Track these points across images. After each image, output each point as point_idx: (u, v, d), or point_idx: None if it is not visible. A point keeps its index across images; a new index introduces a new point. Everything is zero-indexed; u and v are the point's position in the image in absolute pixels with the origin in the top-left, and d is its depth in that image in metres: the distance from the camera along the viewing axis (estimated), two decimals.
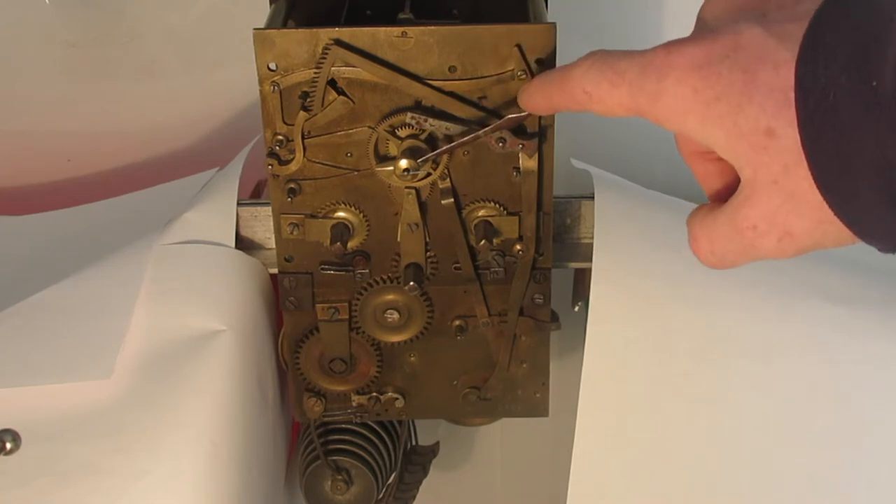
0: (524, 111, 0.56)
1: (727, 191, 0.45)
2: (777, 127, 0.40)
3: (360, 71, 0.62)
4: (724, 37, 0.42)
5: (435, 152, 0.63)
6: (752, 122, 0.41)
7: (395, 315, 0.70)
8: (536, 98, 0.52)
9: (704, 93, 0.42)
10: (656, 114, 0.44)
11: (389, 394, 0.73)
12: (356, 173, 0.65)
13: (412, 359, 0.72)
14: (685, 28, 0.47)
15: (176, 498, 0.62)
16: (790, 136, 0.40)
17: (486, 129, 0.60)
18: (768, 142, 0.41)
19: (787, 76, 0.40)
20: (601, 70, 0.45)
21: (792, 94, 0.40)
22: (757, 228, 0.42)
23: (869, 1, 0.39)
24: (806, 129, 0.39)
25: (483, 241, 0.66)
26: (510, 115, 0.60)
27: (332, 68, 0.62)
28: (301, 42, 0.62)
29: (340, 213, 0.67)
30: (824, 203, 0.40)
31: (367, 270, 0.69)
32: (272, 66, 0.62)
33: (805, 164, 0.40)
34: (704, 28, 0.44)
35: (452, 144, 0.62)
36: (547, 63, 0.62)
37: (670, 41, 0.44)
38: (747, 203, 0.42)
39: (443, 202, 0.66)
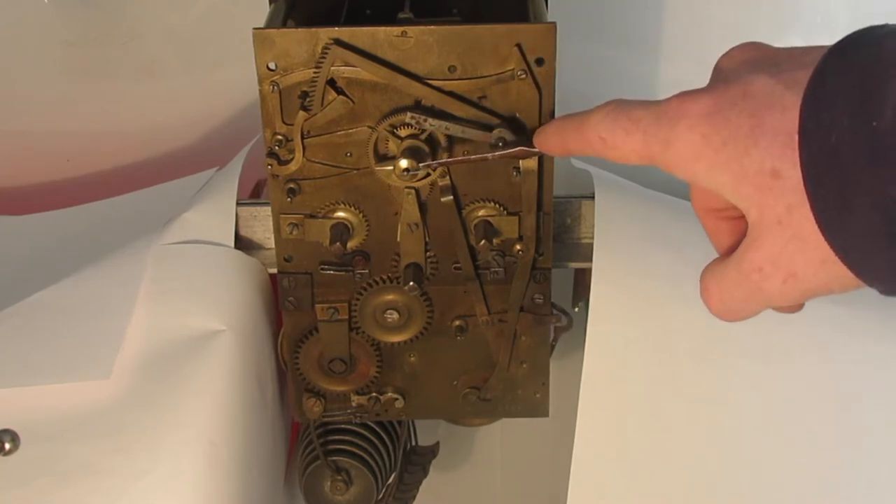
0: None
1: (737, 247, 0.46)
2: (782, 168, 0.41)
3: (360, 70, 0.62)
4: (734, 86, 0.43)
5: (438, 162, 0.63)
6: (758, 164, 0.42)
7: (395, 315, 0.70)
8: (553, 141, 0.53)
9: (713, 138, 0.43)
10: (667, 161, 0.45)
11: (389, 394, 0.73)
12: (356, 172, 0.65)
13: (412, 359, 0.72)
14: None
15: (175, 498, 0.62)
16: (794, 176, 0.41)
17: (495, 153, 0.61)
18: (773, 182, 0.41)
19: (793, 120, 0.41)
20: (617, 117, 0.46)
21: (797, 137, 0.41)
22: (762, 271, 0.43)
23: (871, 49, 0.40)
24: (808, 170, 0.40)
25: (483, 241, 0.66)
26: (522, 147, 0.60)
27: (332, 68, 0.62)
28: (301, 42, 0.62)
29: (340, 213, 0.67)
30: (827, 243, 0.41)
31: (366, 270, 0.69)
32: (272, 65, 0.62)
33: (808, 204, 0.41)
34: (719, 78, 0.45)
35: (458, 159, 0.63)
36: (547, 63, 0.62)
37: (685, 91, 0.45)
38: (753, 245, 0.43)
39: (442, 200, 0.66)
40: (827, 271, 0.42)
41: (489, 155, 0.61)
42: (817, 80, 0.41)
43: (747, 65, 0.44)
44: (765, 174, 0.41)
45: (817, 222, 0.41)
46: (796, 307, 0.47)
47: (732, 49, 0.46)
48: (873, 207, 0.39)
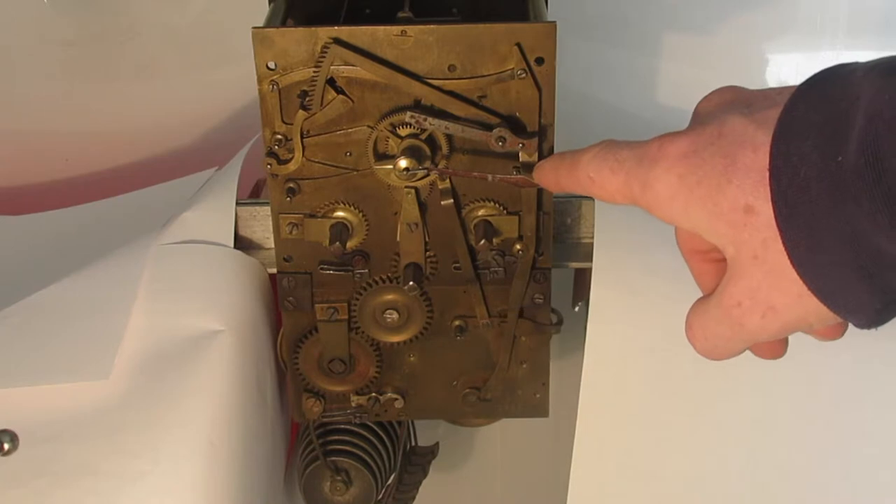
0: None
1: None
2: (755, 204, 0.42)
3: (360, 70, 0.62)
4: (710, 127, 0.44)
5: (439, 169, 0.63)
6: (732, 202, 0.42)
7: (395, 315, 0.70)
8: (548, 177, 0.55)
9: (688, 178, 0.44)
10: (647, 201, 0.46)
11: (389, 394, 0.73)
12: (355, 173, 0.65)
13: (412, 359, 0.72)
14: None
15: (174, 499, 0.62)
16: (767, 212, 0.42)
17: (496, 176, 0.61)
18: (747, 219, 0.42)
19: (764, 157, 0.42)
20: (605, 157, 0.48)
21: (768, 174, 0.41)
22: (741, 305, 0.44)
23: (838, 83, 0.41)
24: (779, 207, 0.41)
25: (483, 241, 0.66)
26: (524, 176, 0.61)
27: (332, 67, 0.62)
28: (300, 41, 0.62)
29: (339, 213, 0.67)
30: (800, 278, 0.42)
31: (366, 270, 0.68)
32: (271, 64, 0.62)
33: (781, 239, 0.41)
34: (697, 121, 0.47)
35: (458, 172, 0.63)
36: (547, 62, 0.62)
37: (666, 133, 0.46)
38: (731, 281, 0.44)
39: (442, 203, 0.65)
40: (804, 305, 0.42)
41: (489, 176, 0.61)
42: (786, 117, 0.42)
43: (723, 106, 0.45)
44: (738, 211, 0.42)
45: (789, 258, 0.41)
46: (779, 347, 0.47)
47: (710, 93, 0.48)
48: (842, 243, 0.40)
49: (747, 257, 0.43)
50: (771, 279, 0.42)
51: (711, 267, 0.48)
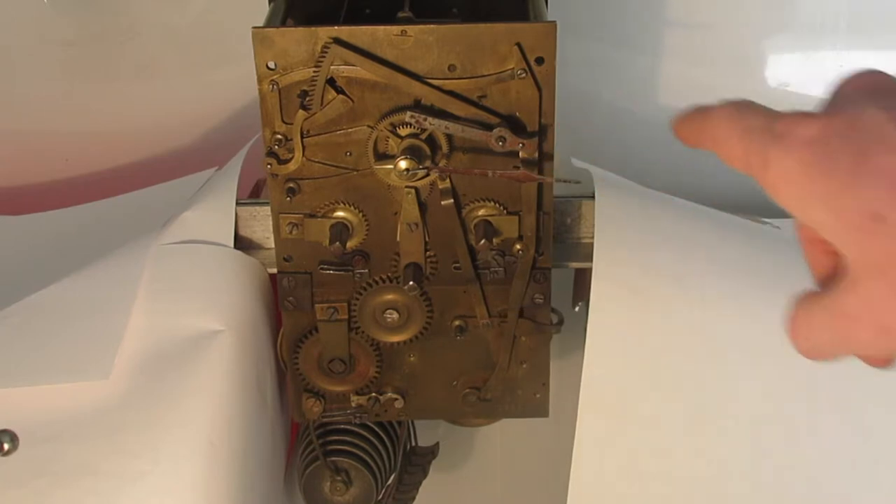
0: (539, 172, 0.56)
1: (832, 277, 0.43)
2: (886, 213, 0.38)
3: (360, 70, 0.62)
4: (845, 115, 0.41)
5: (439, 168, 0.63)
6: (859, 205, 0.39)
7: (395, 315, 0.70)
8: (681, 131, 0.48)
9: (810, 168, 0.40)
10: (764, 180, 0.42)
11: (389, 394, 0.73)
12: (355, 173, 0.65)
13: (412, 359, 0.72)
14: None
15: (174, 499, 0.62)
16: None
17: (496, 172, 0.61)
18: (875, 227, 0.39)
19: None
20: (735, 122, 0.44)
21: None
22: (854, 318, 0.40)
23: None
24: None
25: (483, 241, 0.66)
26: (527, 172, 0.61)
27: (332, 67, 0.62)
28: (300, 41, 0.62)
29: (339, 213, 0.67)
30: None
31: (366, 270, 0.68)
32: (271, 64, 0.62)
33: None
34: (834, 105, 0.43)
35: (458, 169, 0.63)
36: (547, 62, 0.62)
37: (801, 111, 0.42)
38: (848, 290, 0.40)
39: (442, 203, 0.65)
40: None
41: (489, 172, 0.61)
42: None
43: (862, 94, 0.42)
44: (865, 216, 0.39)
45: None
46: (887, 361, 0.43)
47: (853, 74, 0.44)
48: None
49: (870, 268, 0.39)
50: (894, 299, 0.38)
51: (829, 259, 0.44)
